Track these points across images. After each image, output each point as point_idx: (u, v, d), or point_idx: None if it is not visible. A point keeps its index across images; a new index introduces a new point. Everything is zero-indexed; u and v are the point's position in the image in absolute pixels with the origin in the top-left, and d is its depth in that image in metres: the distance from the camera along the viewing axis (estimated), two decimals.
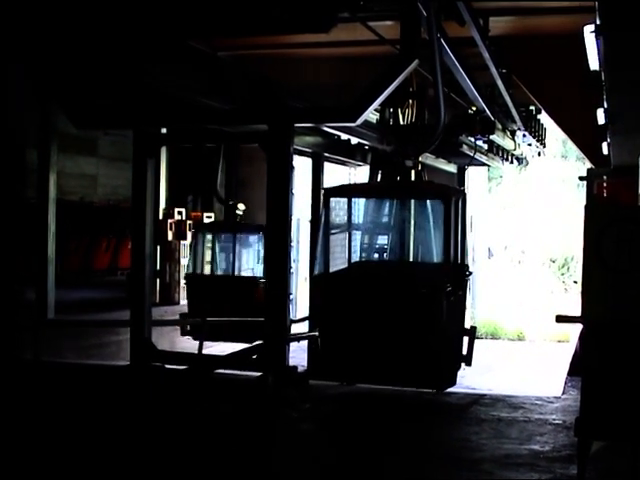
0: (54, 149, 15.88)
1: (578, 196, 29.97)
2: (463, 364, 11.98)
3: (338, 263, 12.05)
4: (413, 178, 13.23)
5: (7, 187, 8.41)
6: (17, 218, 8.53)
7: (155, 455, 8.71)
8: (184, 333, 17.77)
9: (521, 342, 25.41)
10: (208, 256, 18.94)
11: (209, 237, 18.97)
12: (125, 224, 21.49)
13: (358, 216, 12.32)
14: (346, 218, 12.17)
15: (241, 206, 18.75)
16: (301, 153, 14.96)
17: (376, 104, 11.98)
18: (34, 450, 8.49)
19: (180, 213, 21.57)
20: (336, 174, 20.60)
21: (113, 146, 25.16)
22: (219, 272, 18.88)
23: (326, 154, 15.41)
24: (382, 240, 12.54)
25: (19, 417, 8.60)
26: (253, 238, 18.70)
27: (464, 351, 11.94)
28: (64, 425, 9.47)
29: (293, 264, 19.61)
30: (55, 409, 9.97)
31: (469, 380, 13.40)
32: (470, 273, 12.49)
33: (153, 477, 8.16)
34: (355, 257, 12.20)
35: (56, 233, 15.87)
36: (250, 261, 18.76)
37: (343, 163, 17.71)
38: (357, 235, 12.31)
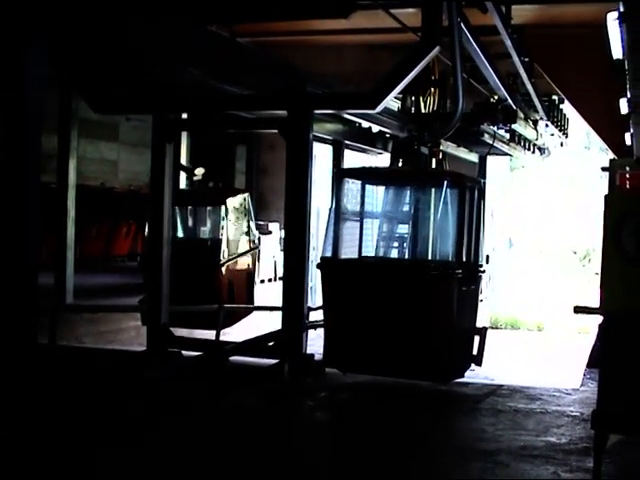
0: (74, 134, 15.87)
1: (600, 187, 29.79)
2: (473, 364, 11.83)
3: (347, 245, 11.84)
4: (434, 166, 13.13)
5: (27, 172, 8.36)
6: (38, 203, 8.48)
7: (163, 443, 8.68)
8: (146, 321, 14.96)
9: (540, 333, 25.31)
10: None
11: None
12: (145, 210, 21.41)
13: (370, 200, 12.13)
14: (357, 201, 11.99)
15: (199, 170, 17.38)
16: (322, 140, 14.90)
17: (396, 91, 11.91)
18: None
19: None
20: (357, 161, 20.51)
21: (134, 132, 25.19)
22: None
23: (347, 142, 15.35)
24: (393, 227, 12.34)
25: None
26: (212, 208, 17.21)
27: (474, 351, 11.75)
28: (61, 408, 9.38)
29: (312, 252, 19.36)
30: (59, 393, 9.89)
31: (486, 371, 13.30)
32: (483, 271, 12.28)
33: (164, 467, 8.11)
34: (365, 243, 12.00)
35: (77, 218, 15.87)
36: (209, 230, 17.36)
37: (364, 151, 17.64)
38: (368, 220, 12.10)
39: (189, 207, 17.22)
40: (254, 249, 17.49)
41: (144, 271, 16.37)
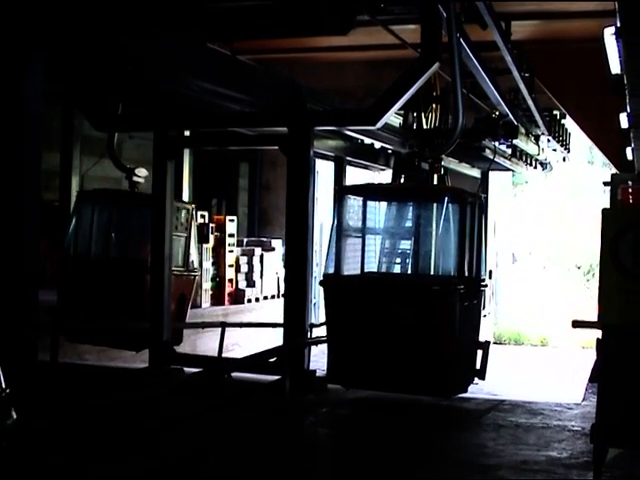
0: (76, 152, 15.93)
1: (603, 202, 29.73)
2: (476, 378, 11.83)
3: (350, 261, 11.87)
4: (435, 182, 13.14)
5: (26, 186, 8.39)
6: (39, 220, 8.51)
7: (164, 460, 8.67)
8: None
9: (544, 348, 25.29)
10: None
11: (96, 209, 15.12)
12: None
13: (371, 217, 12.16)
14: (359, 218, 12.01)
15: (141, 172, 14.87)
16: (323, 157, 14.92)
17: (396, 107, 11.94)
18: None
19: (203, 216, 21.40)
20: (360, 178, 20.53)
21: (138, 149, 25.15)
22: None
23: (349, 158, 15.35)
24: (395, 243, 12.38)
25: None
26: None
27: (478, 365, 11.75)
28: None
29: (316, 268, 19.28)
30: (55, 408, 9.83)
31: (489, 386, 13.30)
32: (485, 285, 12.30)
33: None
34: (367, 260, 12.03)
35: None
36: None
37: (366, 167, 17.65)
38: (369, 237, 12.13)
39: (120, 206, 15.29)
40: (192, 273, 15.86)
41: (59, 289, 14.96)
